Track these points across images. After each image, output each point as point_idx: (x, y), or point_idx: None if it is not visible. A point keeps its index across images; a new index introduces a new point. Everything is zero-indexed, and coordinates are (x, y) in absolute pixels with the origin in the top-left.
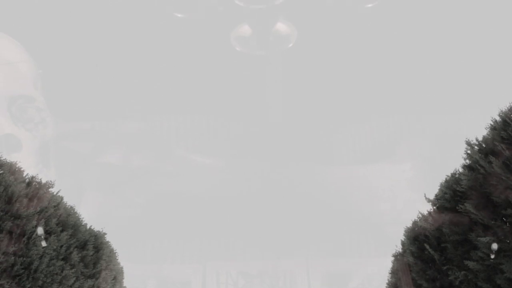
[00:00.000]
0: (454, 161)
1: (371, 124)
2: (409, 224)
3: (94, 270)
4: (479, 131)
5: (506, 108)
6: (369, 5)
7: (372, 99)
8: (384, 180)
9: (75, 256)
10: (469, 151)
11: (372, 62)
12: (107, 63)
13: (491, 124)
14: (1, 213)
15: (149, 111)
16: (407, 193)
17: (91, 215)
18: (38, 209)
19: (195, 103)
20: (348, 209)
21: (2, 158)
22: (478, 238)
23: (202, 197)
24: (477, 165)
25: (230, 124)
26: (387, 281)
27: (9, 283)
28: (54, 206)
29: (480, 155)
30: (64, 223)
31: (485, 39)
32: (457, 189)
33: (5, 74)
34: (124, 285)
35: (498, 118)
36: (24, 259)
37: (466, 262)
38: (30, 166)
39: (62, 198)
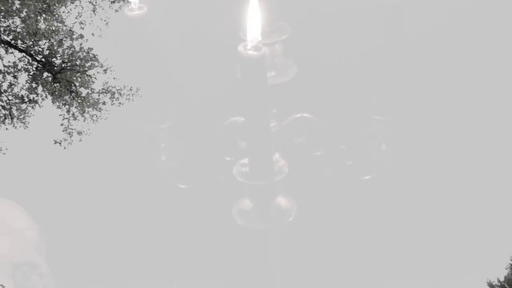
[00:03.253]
0: None
1: None
2: None
3: None
4: None
5: None
6: (366, 177)
7: (369, 266)
8: None
9: None
10: None
11: (371, 228)
12: (111, 229)
13: (510, 264)
14: None
15: (151, 277)
16: None
17: None
18: None
19: (197, 270)
20: None
21: None
22: None
23: None
24: None
25: None
26: None
27: None
28: None
29: None
30: None
31: (477, 202)
32: None
33: (10, 241)
34: None
35: None
36: None
37: None
38: None
39: None
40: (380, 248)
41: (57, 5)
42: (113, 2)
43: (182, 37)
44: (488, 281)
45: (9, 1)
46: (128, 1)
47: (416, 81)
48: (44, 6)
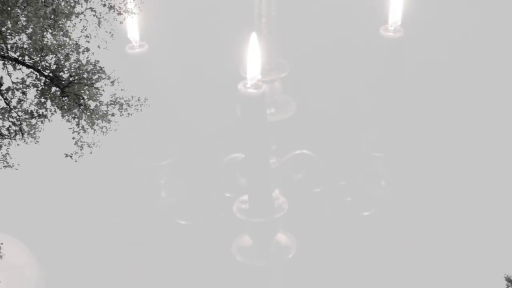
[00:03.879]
0: None
1: None
2: None
3: None
4: None
5: None
6: (366, 213)
7: None
8: None
9: None
10: None
11: (372, 264)
12: (110, 264)
13: None
14: None
15: None
16: None
17: None
18: None
19: None
20: None
21: None
22: None
23: None
24: None
25: None
26: None
27: None
28: None
29: None
30: None
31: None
32: None
33: (9, 278)
34: None
35: None
36: None
37: None
38: None
39: None
40: (382, 285)
41: (63, 20)
42: (119, 14)
43: (183, 75)
44: (506, 276)
45: (17, 22)
46: (133, 13)
47: (416, 117)
48: (50, 21)
